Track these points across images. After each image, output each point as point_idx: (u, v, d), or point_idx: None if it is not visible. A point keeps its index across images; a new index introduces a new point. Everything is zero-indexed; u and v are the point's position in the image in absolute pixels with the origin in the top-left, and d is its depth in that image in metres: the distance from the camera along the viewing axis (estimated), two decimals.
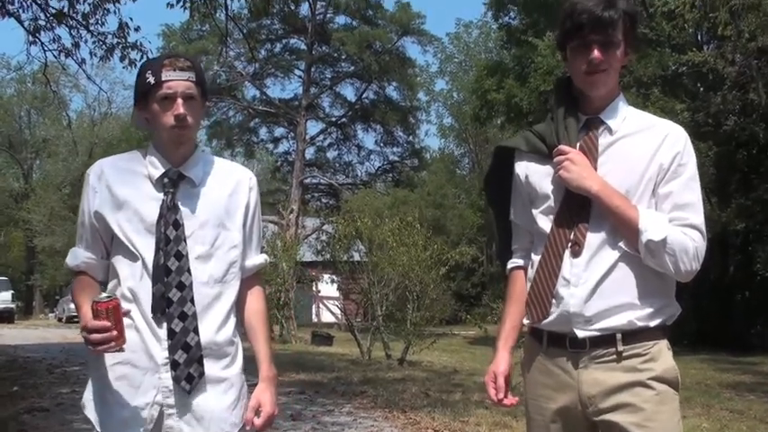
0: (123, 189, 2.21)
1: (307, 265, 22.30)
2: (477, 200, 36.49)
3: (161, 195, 2.21)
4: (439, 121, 47.97)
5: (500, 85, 23.49)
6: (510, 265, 2.33)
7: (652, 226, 2.00)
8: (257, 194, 2.38)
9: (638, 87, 17.67)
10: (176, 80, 2.16)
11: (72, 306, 32.81)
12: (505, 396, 2.22)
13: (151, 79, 2.17)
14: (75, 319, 28.84)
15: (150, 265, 2.16)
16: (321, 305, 28.01)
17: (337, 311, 20.18)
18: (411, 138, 37.37)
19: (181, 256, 2.18)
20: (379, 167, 37.50)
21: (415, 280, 13.64)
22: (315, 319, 27.91)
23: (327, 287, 19.33)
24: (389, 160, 37.38)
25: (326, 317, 27.52)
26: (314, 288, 24.76)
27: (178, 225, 2.19)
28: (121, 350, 2.04)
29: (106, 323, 1.98)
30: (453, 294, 20.99)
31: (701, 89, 19.44)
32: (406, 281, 13.72)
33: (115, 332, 1.99)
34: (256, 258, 2.39)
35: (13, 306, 32.48)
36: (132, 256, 2.18)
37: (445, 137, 47.88)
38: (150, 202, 2.20)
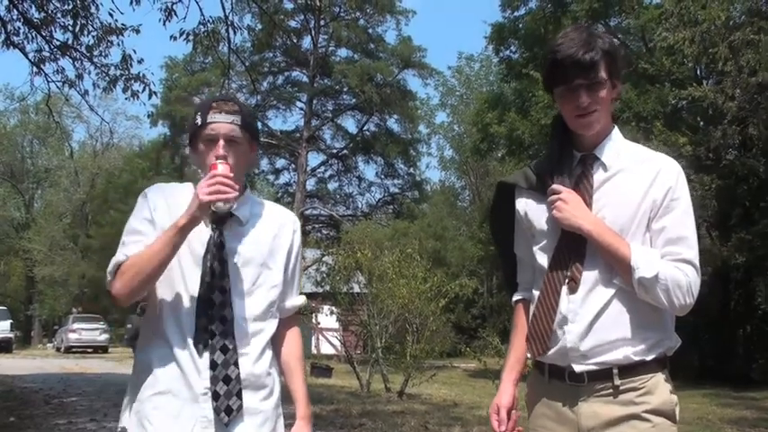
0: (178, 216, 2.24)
1: (306, 297, 22.13)
2: (477, 232, 36.42)
3: (209, 231, 2.23)
4: (440, 154, 48.32)
5: (501, 118, 23.61)
6: (515, 297, 2.36)
7: (644, 263, 2.01)
8: (300, 237, 2.43)
9: (637, 122, 17.75)
10: (220, 122, 2.21)
11: (70, 336, 32.73)
12: (510, 428, 2.23)
13: (198, 120, 2.23)
14: (74, 350, 28.88)
15: (195, 297, 2.19)
16: (320, 337, 27.85)
17: (337, 343, 20.02)
18: (412, 170, 37.56)
19: (224, 291, 2.20)
20: (380, 199, 37.65)
21: (415, 312, 13.59)
22: (314, 351, 27.73)
23: (327, 319, 19.21)
24: (390, 192, 37.52)
25: (326, 348, 27.32)
26: (313, 319, 24.65)
27: (223, 261, 2.21)
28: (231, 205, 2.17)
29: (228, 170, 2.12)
30: (453, 326, 20.90)
31: (701, 123, 19.53)
32: (405, 313, 13.66)
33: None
34: (296, 300, 2.44)
35: (11, 335, 32.34)
36: (179, 285, 2.21)
37: (446, 169, 48.22)
38: (199, 236, 2.22)
